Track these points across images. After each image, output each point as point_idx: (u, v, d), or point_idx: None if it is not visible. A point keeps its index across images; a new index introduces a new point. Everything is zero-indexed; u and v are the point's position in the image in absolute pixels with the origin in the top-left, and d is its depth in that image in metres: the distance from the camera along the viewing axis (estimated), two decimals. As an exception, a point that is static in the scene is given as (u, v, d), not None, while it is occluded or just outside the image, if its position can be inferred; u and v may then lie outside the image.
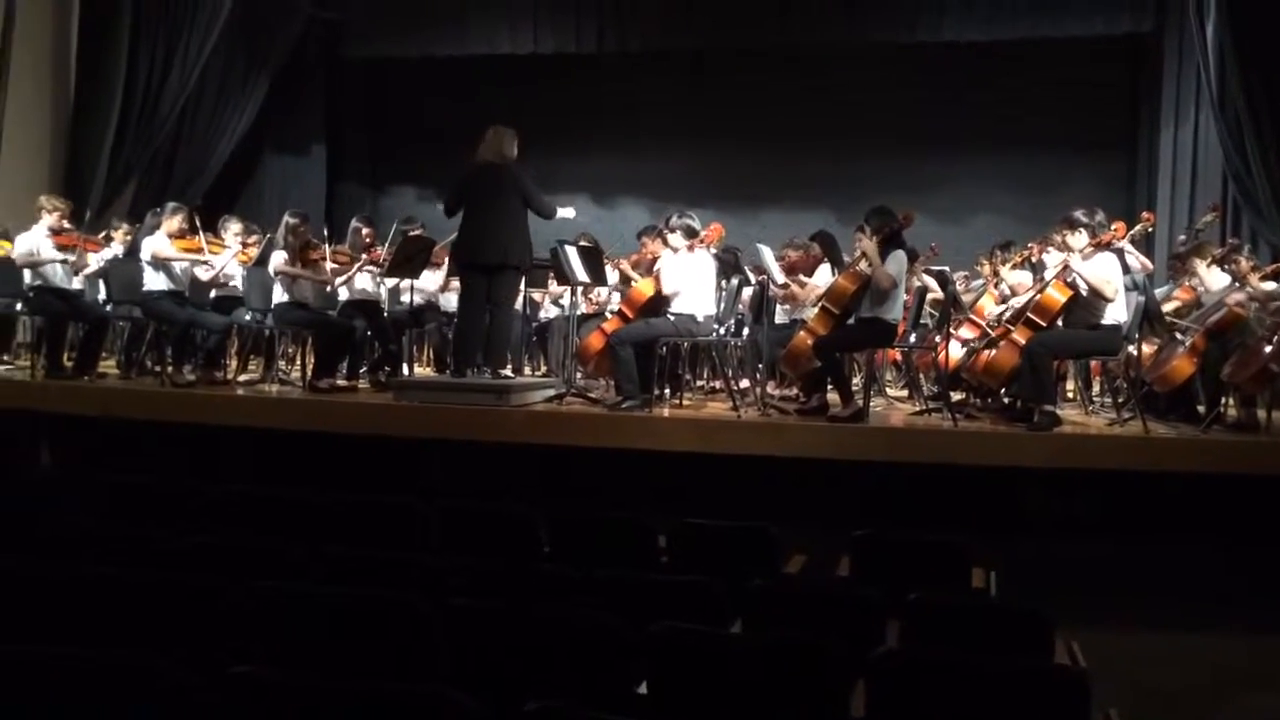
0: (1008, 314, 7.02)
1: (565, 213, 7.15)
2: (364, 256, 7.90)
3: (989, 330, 7.18)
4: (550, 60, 12.42)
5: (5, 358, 8.50)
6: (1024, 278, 7.51)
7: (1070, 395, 8.22)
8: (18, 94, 10.03)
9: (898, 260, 6.40)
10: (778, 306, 7.99)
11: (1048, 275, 6.67)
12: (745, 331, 8.01)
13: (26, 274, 7.73)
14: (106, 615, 2.81)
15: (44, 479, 4.02)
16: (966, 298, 8.02)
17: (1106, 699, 2.98)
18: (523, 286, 8.39)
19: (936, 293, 7.56)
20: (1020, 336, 6.47)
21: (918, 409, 7.28)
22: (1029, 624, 3.27)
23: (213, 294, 8.12)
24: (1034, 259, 7.58)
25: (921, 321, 7.94)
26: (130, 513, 4.27)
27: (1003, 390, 7.14)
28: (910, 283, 7.27)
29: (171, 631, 2.77)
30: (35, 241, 7.65)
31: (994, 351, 6.80)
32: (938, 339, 7.24)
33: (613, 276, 8.20)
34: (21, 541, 3.41)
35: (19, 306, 8.08)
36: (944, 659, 2.65)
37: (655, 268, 7.20)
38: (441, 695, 1.89)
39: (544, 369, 9.26)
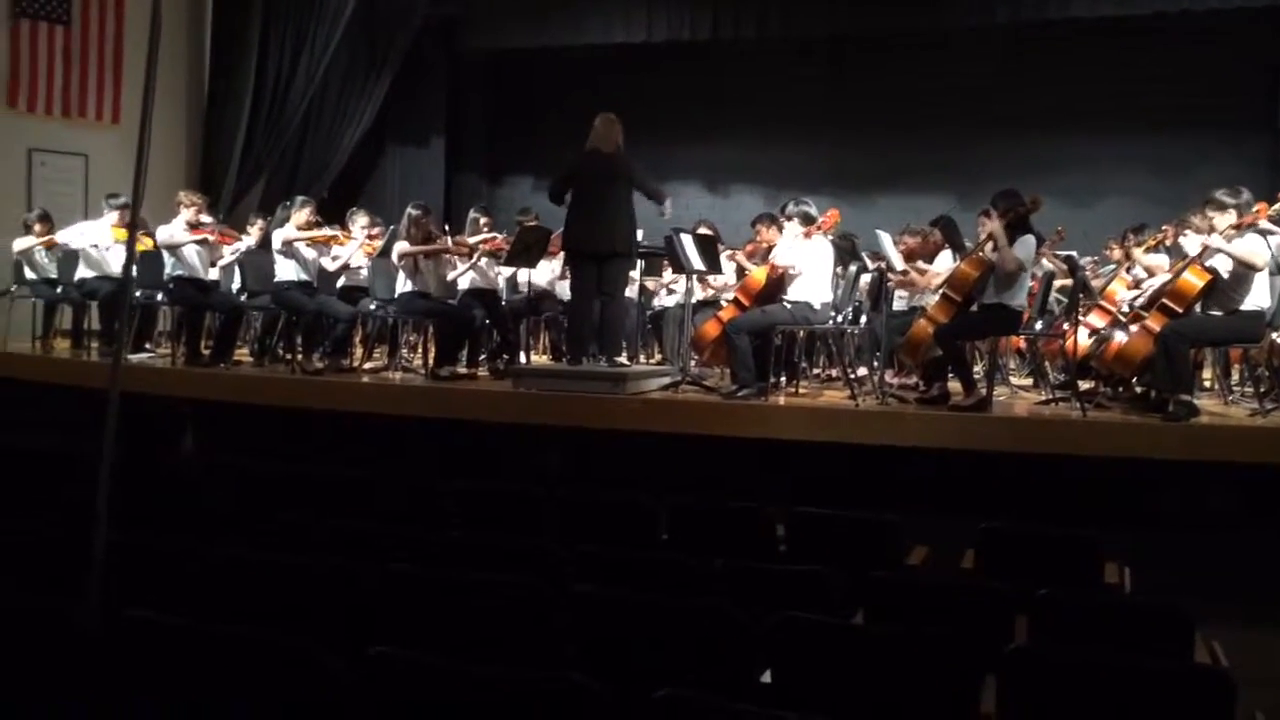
0: (1141, 299, 6.75)
1: (665, 207, 7.15)
2: (482, 247, 8.04)
3: (1120, 316, 6.93)
4: (665, 48, 12.43)
5: (147, 346, 8.92)
6: (1158, 262, 7.20)
7: (1208, 384, 7.87)
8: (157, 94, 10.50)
9: (1026, 245, 6.21)
10: (896, 293, 7.84)
11: (1184, 259, 6.38)
12: (863, 319, 7.89)
13: (167, 266, 8.11)
14: (251, 595, 2.93)
15: (189, 464, 4.20)
16: (1095, 283, 7.76)
17: (1252, 701, 2.85)
18: (637, 275, 8.44)
19: (1065, 278, 7.32)
20: (1154, 323, 6.21)
21: (1044, 398, 7.07)
22: (1168, 621, 3.14)
23: (339, 284, 8.38)
24: (1168, 242, 7.27)
25: (1048, 308, 7.70)
26: (266, 497, 4.44)
27: (1135, 379, 6.88)
28: (1036, 268, 7.05)
29: (310, 611, 2.86)
30: (174, 233, 8.02)
31: (1126, 339, 6.56)
32: (1065, 325, 7.01)
33: (728, 268, 8.16)
34: (174, 523, 3.57)
35: (160, 297, 8.48)
36: (1079, 657, 2.56)
37: (770, 255, 7.13)
38: (572, 681, 1.92)
39: (658, 357, 9.28)
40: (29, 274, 9.09)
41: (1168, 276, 6.46)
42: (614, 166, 6.78)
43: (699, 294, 8.27)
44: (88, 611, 2.22)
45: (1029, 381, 8.42)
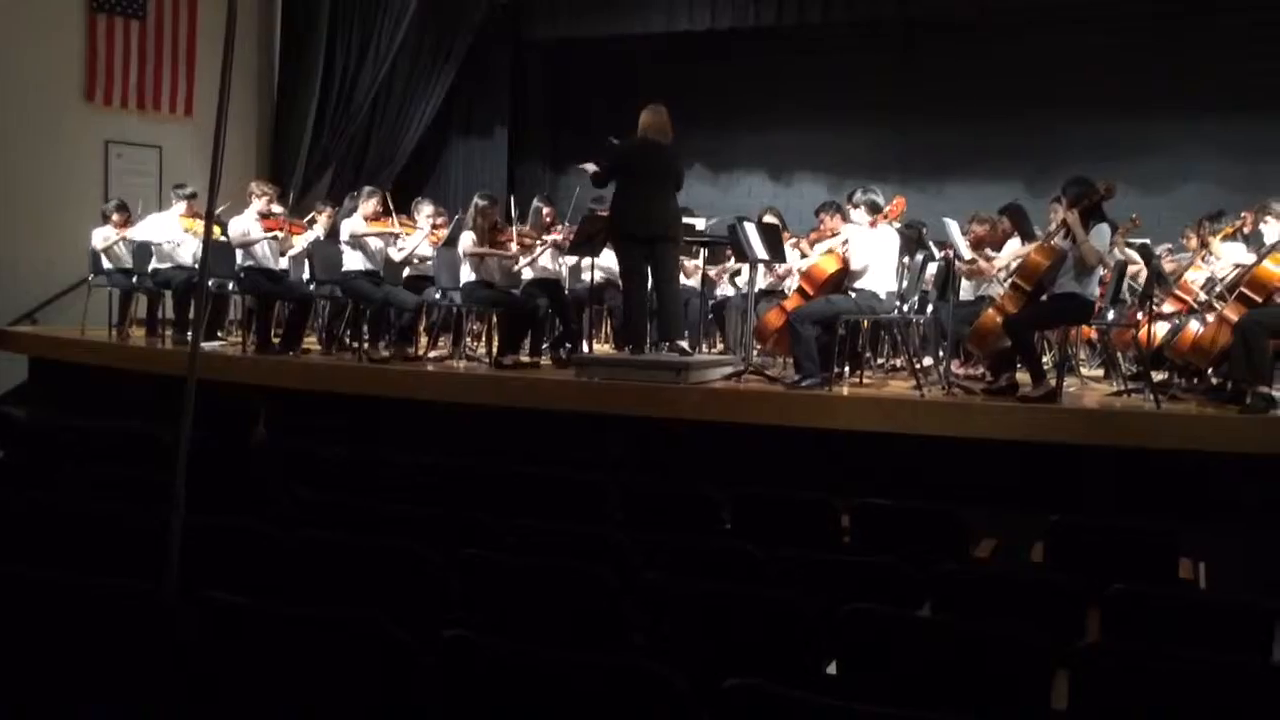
0: (1218, 289, 6.58)
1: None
2: (546, 237, 8.08)
3: (1196, 306, 6.76)
4: (729, 35, 12.35)
5: (219, 334, 9.12)
6: (1236, 250, 7.02)
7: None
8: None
9: (1102, 235, 6.09)
10: (963, 282, 7.74)
11: (1264, 247, 6.21)
12: (929, 308, 7.80)
13: (238, 255, 8.28)
14: (325, 579, 2.99)
15: (262, 450, 4.30)
16: (1168, 267, 7.58)
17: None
18: (700, 264, 8.43)
19: (1138, 266, 7.17)
20: (1232, 313, 6.06)
21: (1115, 389, 6.94)
22: (1245, 619, 3.07)
23: (405, 273, 8.48)
24: (1246, 229, 7.07)
25: (1120, 297, 7.54)
26: (335, 482, 4.52)
27: (1211, 370, 6.72)
28: (1109, 256, 6.91)
29: (381, 595, 2.92)
30: (247, 224, 8.20)
31: (1202, 329, 6.40)
32: (1139, 315, 6.87)
33: (793, 256, 8.11)
34: (251, 508, 3.66)
35: (231, 286, 8.66)
36: (1155, 654, 2.51)
37: (841, 244, 7.07)
38: (643, 668, 1.93)
39: (720, 347, 9.27)
40: (105, 263, 9.35)
41: (1247, 265, 6.29)
42: (666, 156, 6.83)
43: (762, 283, 8.24)
44: (167, 592, 2.29)
45: (1100, 372, 8.27)
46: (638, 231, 6.85)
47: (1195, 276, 7.18)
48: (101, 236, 9.29)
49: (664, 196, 6.81)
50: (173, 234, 8.88)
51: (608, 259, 8.66)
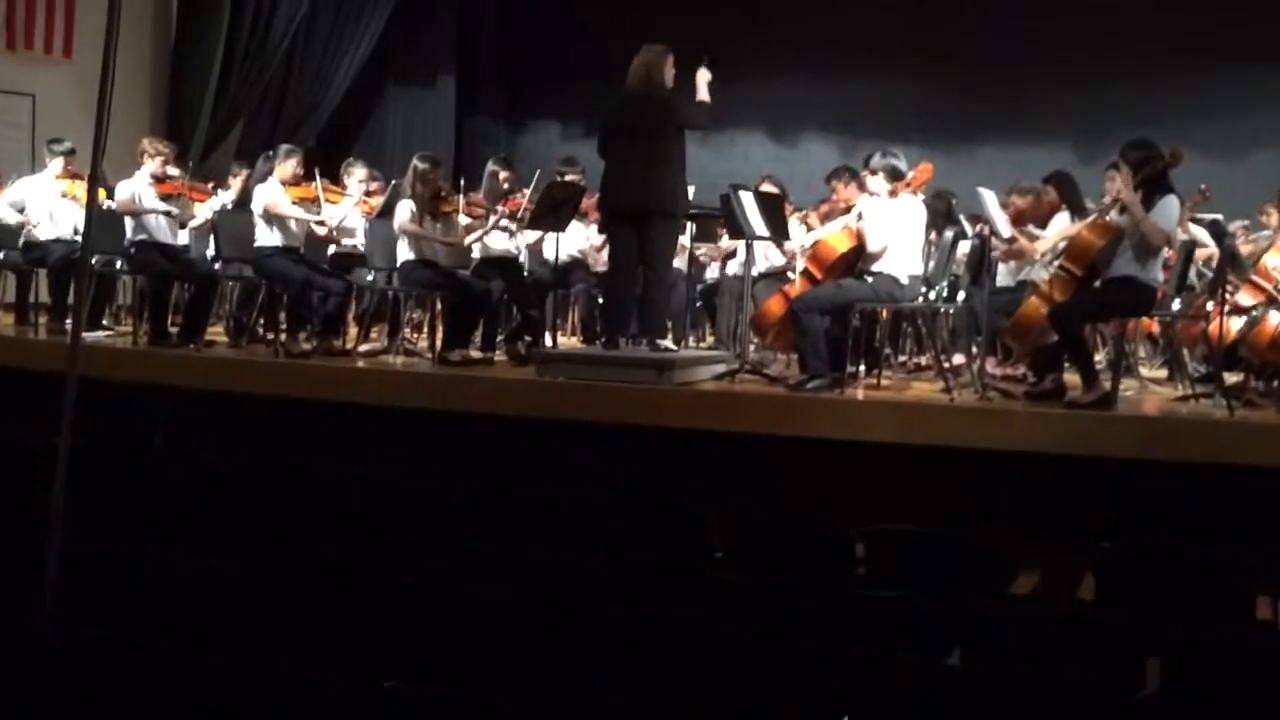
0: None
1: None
2: (501, 207, 8.07)
3: (1277, 295, 6.84)
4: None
5: (105, 322, 9.05)
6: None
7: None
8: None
9: (1167, 210, 6.12)
10: (1001, 265, 7.78)
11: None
12: (960, 296, 7.84)
13: (128, 228, 8.22)
14: (236, 613, 2.98)
15: (158, 459, 4.28)
16: (1245, 250, 7.65)
17: None
18: (687, 241, 8.44)
19: (1208, 247, 7.23)
20: (1320, 303, 6.14)
21: (1181, 393, 7.01)
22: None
23: (331, 250, 8.44)
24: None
25: (1188, 284, 7.61)
26: (247, 498, 4.50)
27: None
28: (1175, 235, 6.97)
29: (305, 634, 2.91)
30: (136, 189, 8.13)
31: (1285, 322, 6.48)
32: (1209, 305, 6.93)
33: (798, 232, 8.13)
34: (144, 529, 3.64)
35: (119, 264, 8.60)
36: (1227, 710, 2.54)
37: (855, 217, 7.09)
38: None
39: (711, 340, 9.28)
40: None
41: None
42: (651, 110, 6.77)
43: (761, 264, 8.26)
44: (41, 627, 2.26)
45: (1163, 373, 8.34)
46: (622, 205, 6.84)
47: (1276, 260, 7.25)
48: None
49: (654, 161, 6.76)
50: (47, 200, 8.80)
51: (575, 235, 8.67)
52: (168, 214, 8.19)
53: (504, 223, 8.09)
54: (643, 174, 6.77)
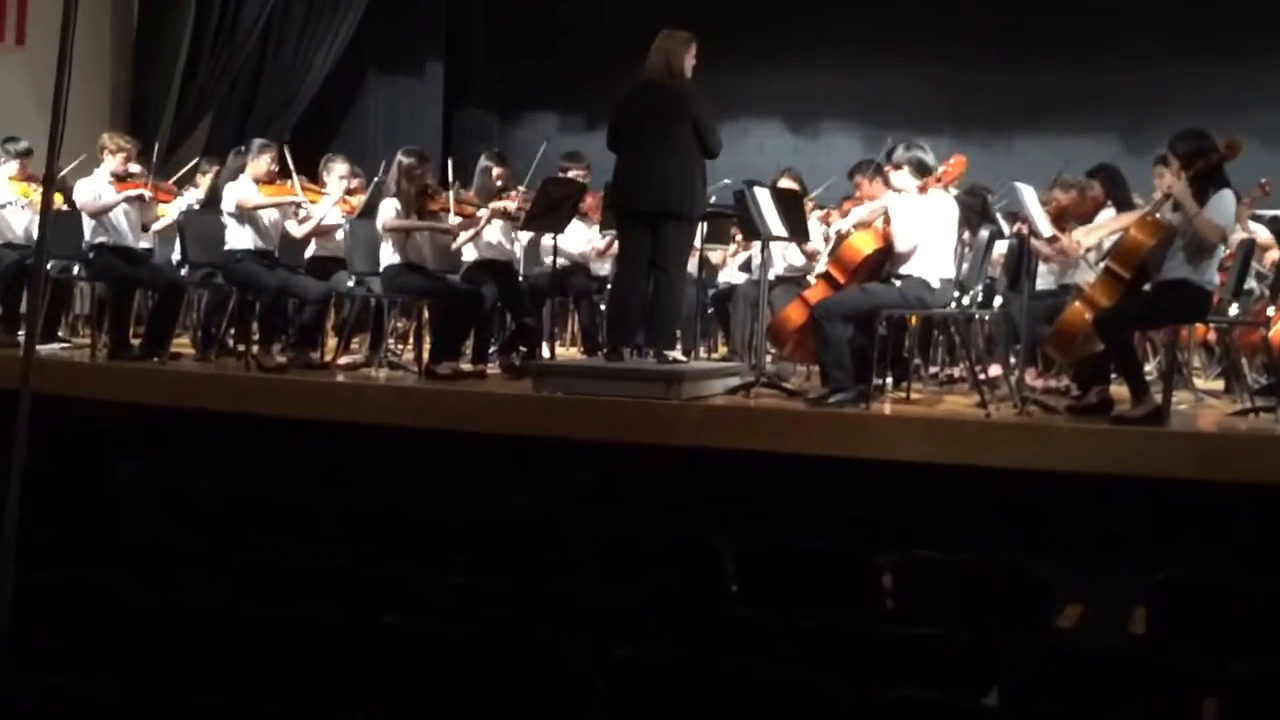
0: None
1: None
2: (494, 205, 8.08)
3: (1344, 299, 6.85)
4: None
5: (61, 334, 9.06)
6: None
7: None
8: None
9: (1223, 206, 6.12)
10: (1042, 267, 7.79)
11: None
12: (997, 301, 7.84)
13: (87, 231, 8.23)
14: (204, 652, 2.97)
15: (123, 484, 4.30)
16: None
17: None
18: (697, 242, 8.45)
19: (1269, 247, 7.23)
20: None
21: (1239, 407, 7.01)
22: None
23: (308, 253, 8.45)
24: None
25: (1246, 287, 7.61)
26: (218, 526, 4.51)
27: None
28: (1232, 234, 6.97)
29: (279, 676, 2.91)
30: (97, 189, 8.14)
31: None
32: (1270, 310, 6.93)
33: (819, 232, 8.14)
34: (105, 559, 3.64)
35: (77, 270, 8.61)
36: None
37: (881, 216, 7.10)
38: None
39: (724, 350, 9.28)
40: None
41: None
42: (670, 101, 6.77)
43: (779, 267, 8.26)
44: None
45: (1219, 385, 8.33)
46: (634, 204, 6.85)
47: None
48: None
49: (671, 158, 6.75)
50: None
51: (575, 237, 8.68)
52: (139, 199, 8.16)
53: (497, 223, 8.09)
54: (660, 171, 6.76)
